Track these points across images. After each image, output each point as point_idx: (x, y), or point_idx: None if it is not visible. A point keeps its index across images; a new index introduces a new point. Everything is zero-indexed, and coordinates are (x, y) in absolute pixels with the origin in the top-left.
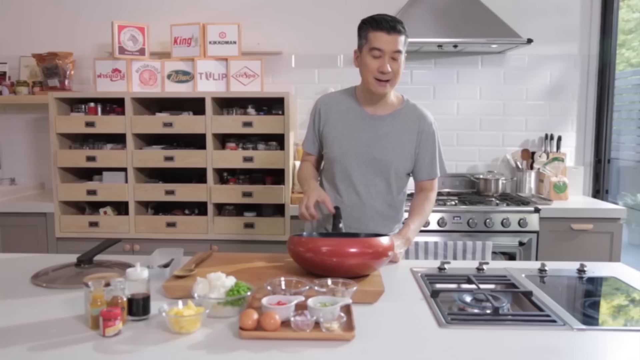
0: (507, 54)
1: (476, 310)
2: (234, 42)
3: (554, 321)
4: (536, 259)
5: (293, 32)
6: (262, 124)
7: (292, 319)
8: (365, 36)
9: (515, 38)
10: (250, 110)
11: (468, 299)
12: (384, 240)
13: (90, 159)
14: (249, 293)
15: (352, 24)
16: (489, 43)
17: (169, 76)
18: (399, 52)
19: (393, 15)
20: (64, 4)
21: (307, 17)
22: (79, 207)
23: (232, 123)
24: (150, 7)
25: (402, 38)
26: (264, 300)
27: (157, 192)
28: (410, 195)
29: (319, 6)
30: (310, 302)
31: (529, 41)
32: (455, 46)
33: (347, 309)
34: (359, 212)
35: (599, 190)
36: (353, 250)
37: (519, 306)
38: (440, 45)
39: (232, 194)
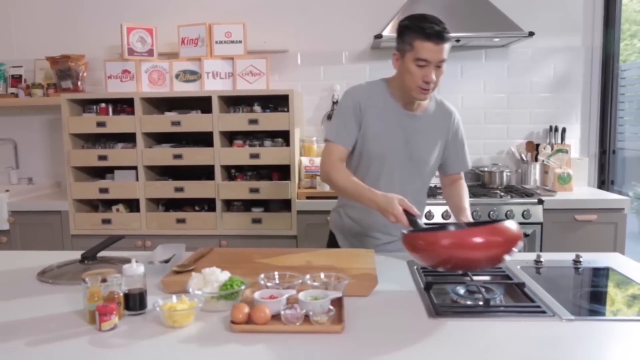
0: (510, 48)
1: (469, 302)
2: (240, 42)
3: (544, 312)
4: (540, 250)
5: (298, 30)
6: (268, 121)
7: (282, 312)
8: (410, 43)
9: (517, 31)
10: (256, 107)
11: (461, 291)
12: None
13: (102, 158)
14: (242, 287)
15: (355, 21)
16: (490, 37)
17: (177, 76)
18: (444, 61)
19: (393, 10)
20: (75, 8)
21: (311, 15)
22: (93, 205)
23: (238, 121)
24: (157, 8)
25: (448, 45)
26: (256, 294)
27: (166, 189)
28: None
29: (324, 4)
30: (301, 295)
31: (531, 34)
32: (457, 41)
33: (338, 302)
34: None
35: (604, 181)
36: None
37: (512, 297)
38: None
39: (239, 190)
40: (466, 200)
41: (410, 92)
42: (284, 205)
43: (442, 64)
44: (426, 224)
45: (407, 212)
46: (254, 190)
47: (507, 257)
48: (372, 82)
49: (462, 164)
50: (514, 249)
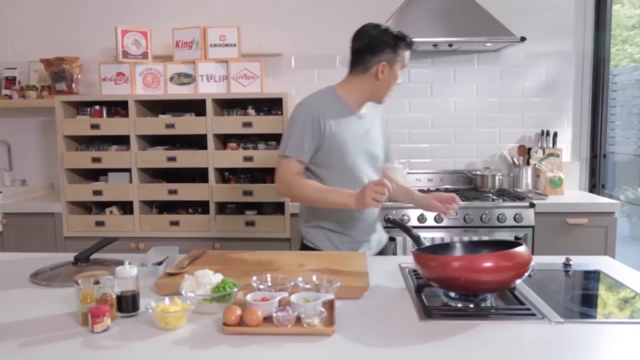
0: (502, 52)
1: (459, 305)
2: (234, 45)
3: (534, 314)
4: (532, 254)
5: (292, 33)
6: (262, 124)
7: (274, 314)
8: (399, 53)
9: (509, 36)
10: (250, 111)
11: (452, 293)
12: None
13: (96, 160)
14: (234, 289)
15: (349, 24)
16: (483, 42)
17: (171, 79)
18: None
19: (386, 14)
20: (70, 10)
21: (306, 18)
22: (86, 207)
23: (232, 123)
24: (152, 11)
25: None
26: (248, 297)
27: (160, 191)
28: None
29: (318, 8)
30: (293, 298)
31: (523, 39)
32: (450, 45)
33: (330, 305)
34: (371, 215)
35: (595, 185)
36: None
37: (503, 300)
38: (436, 45)
39: (233, 192)
40: (403, 182)
41: (383, 97)
42: (277, 208)
43: None
44: (417, 227)
45: (409, 232)
46: (248, 193)
47: (517, 282)
48: (322, 91)
49: (391, 153)
50: (525, 274)
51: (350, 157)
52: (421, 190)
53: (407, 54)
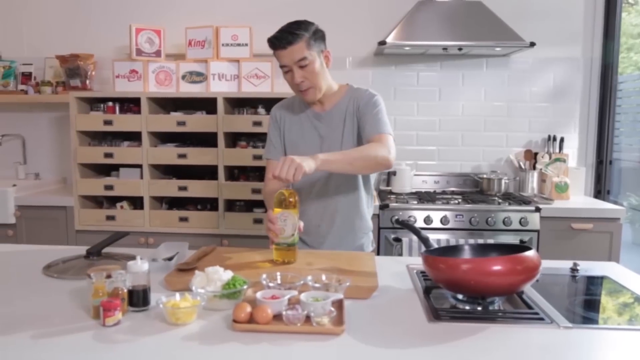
0: (511, 57)
1: (467, 307)
2: (246, 45)
3: (542, 319)
4: None
5: None
6: None
7: (283, 312)
8: (275, 56)
9: (519, 42)
10: (261, 110)
11: (460, 295)
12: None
13: (108, 155)
14: (244, 287)
15: (360, 27)
16: (492, 46)
17: (183, 77)
18: (303, 59)
19: (397, 17)
20: (85, 8)
21: (317, 20)
22: (97, 202)
23: (242, 122)
24: (166, 10)
25: (297, 46)
26: (258, 294)
27: (170, 188)
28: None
29: (328, 9)
30: (302, 296)
31: (532, 44)
32: (460, 49)
33: (339, 304)
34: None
35: (600, 190)
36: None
37: (510, 304)
38: (445, 49)
39: (242, 190)
40: (353, 149)
41: (297, 94)
42: None
43: (304, 63)
44: (424, 228)
45: (418, 234)
46: (257, 191)
47: (526, 286)
48: (293, 95)
49: (374, 127)
50: (534, 279)
51: (303, 155)
52: (427, 193)
53: (276, 54)
